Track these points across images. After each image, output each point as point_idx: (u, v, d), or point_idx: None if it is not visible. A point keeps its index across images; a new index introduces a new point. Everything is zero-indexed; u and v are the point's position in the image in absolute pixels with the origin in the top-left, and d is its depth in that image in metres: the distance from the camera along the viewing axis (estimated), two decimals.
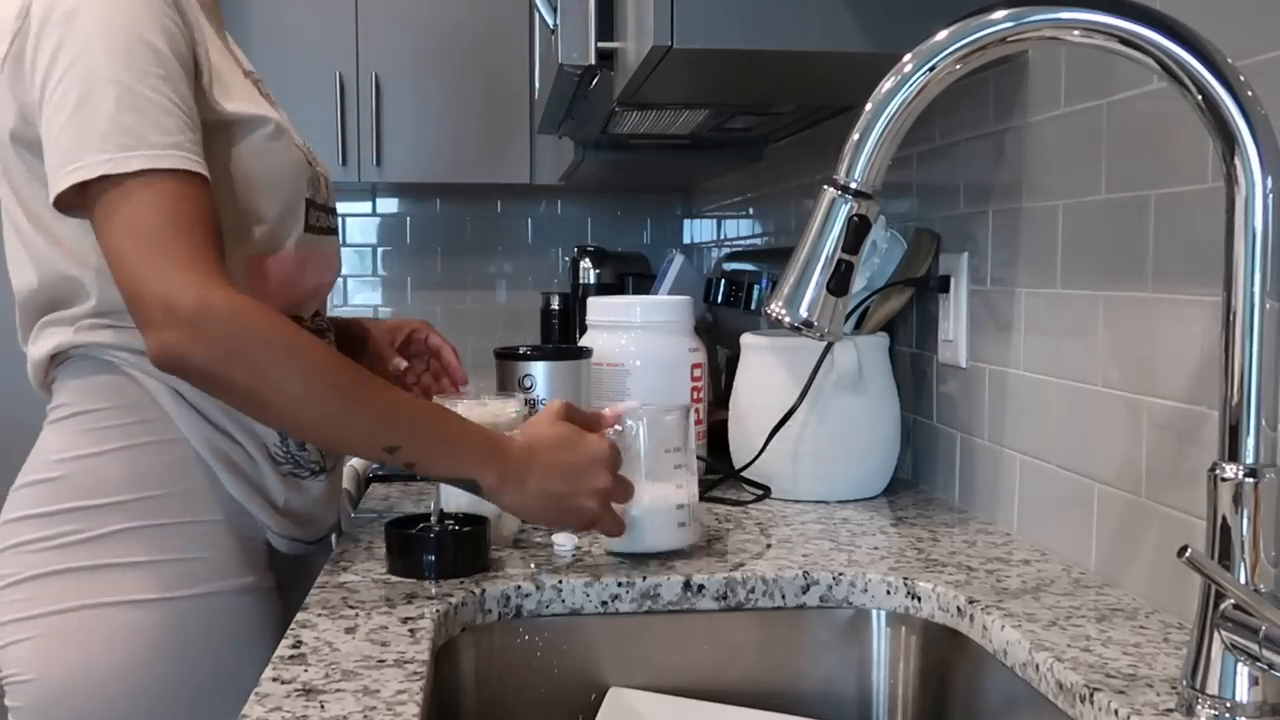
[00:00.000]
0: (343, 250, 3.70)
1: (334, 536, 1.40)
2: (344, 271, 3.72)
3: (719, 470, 1.44)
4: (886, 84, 0.77)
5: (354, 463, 1.95)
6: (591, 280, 3.26)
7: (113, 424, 1.08)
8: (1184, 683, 0.74)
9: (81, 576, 1.05)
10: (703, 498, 1.30)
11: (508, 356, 1.30)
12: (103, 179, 0.96)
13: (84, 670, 1.04)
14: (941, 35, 0.75)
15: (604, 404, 1.26)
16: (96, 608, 1.05)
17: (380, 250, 3.72)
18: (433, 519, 1.09)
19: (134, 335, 1.03)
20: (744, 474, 1.43)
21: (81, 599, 1.05)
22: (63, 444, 1.09)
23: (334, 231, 1.24)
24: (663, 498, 1.11)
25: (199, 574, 1.09)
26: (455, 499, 1.11)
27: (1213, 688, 0.72)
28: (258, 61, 1.38)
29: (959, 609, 1.01)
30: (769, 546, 1.17)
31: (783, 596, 1.07)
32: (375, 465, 1.72)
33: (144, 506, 1.07)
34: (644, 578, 1.06)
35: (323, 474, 1.20)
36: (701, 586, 1.06)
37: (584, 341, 1.40)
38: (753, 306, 2.02)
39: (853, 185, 0.79)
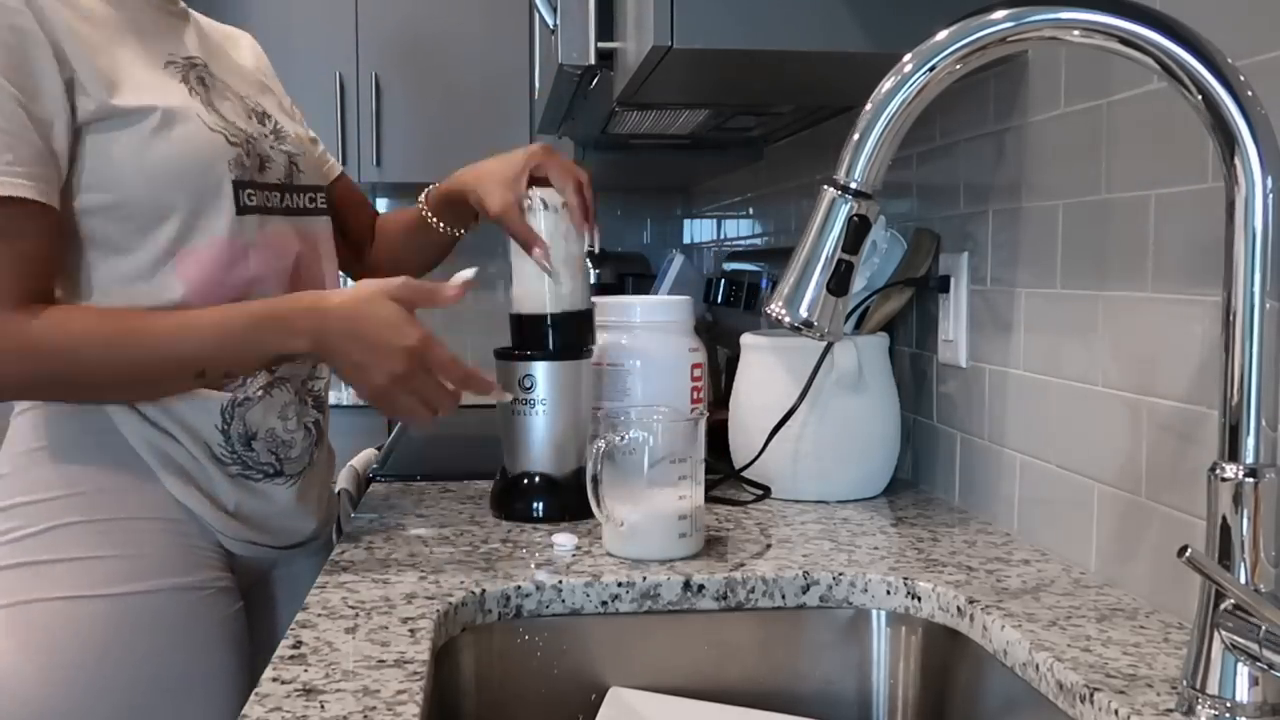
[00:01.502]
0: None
1: (335, 534, 1.40)
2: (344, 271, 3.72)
3: (719, 470, 1.44)
4: (886, 84, 0.77)
5: (354, 462, 1.95)
6: (591, 280, 3.25)
7: (54, 420, 1.10)
8: (1184, 683, 0.74)
9: (22, 572, 1.07)
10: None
11: (508, 356, 1.30)
12: None
13: (23, 664, 1.04)
14: (941, 35, 0.76)
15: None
16: (35, 603, 1.06)
17: None
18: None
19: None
20: (744, 474, 1.43)
21: (22, 595, 1.06)
22: (11, 440, 1.12)
23: (299, 211, 1.22)
24: (664, 507, 1.11)
25: (139, 571, 1.09)
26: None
27: (1213, 688, 0.72)
28: None
29: (959, 609, 1.01)
30: (769, 546, 1.17)
31: (783, 596, 1.07)
32: (375, 465, 1.72)
33: (82, 503, 1.08)
34: (644, 578, 1.06)
35: (281, 478, 1.19)
36: (701, 586, 1.06)
37: None
38: (753, 306, 2.02)
39: (853, 185, 0.79)
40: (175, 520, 1.12)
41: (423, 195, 1.43)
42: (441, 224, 1.42)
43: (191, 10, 1.24)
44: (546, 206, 1.29)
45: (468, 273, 1.13)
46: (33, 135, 1.02)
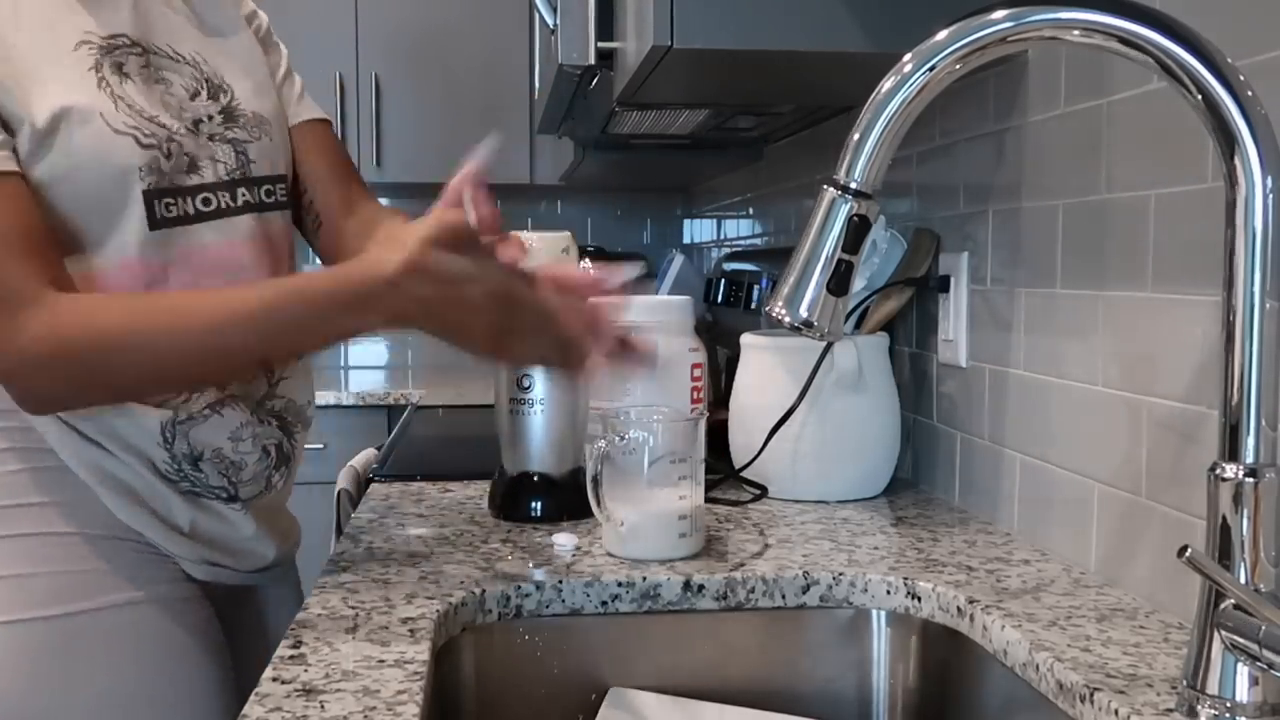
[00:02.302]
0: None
1: (332, 540, 1.39)
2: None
3: (719, 470, 1.44)
4: (886, 84, 0.77)
5: (354, 462, 1.95)
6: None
7: None
8: (1184, 683, 0.74)
9: None
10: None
11: None
12: None
13: None
14: (941, 35, 0.76)
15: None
16: None
17: None
18: None
19: None
20: (744, 474, 1.43)
21: None
22: None
23: (248, 209, 1.08)
24: (664, 507, 1.11)
25: (82, 588, 1.02)
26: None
27: (1213, 688, 0.72)
28: None
29: (959, 609, 1.01)
30: (769, 546, 1.17)
31: (783, 596, 1.07)
32: (375, 465, 1.72)
33: (18, 515, 1.01)
34: (644, 578, 1.06)
35: (237, 503, 1.11)
36: (701, 586, 1.06)
37: None
38: (753, 306, 2.02)
39: (853, 185, 0.79)
40: (126, 538, 1.05)
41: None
42: None
43: None
44: (534, 247, 1.25)
45: (491, 142, 1.01)
46: None
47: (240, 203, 1.08)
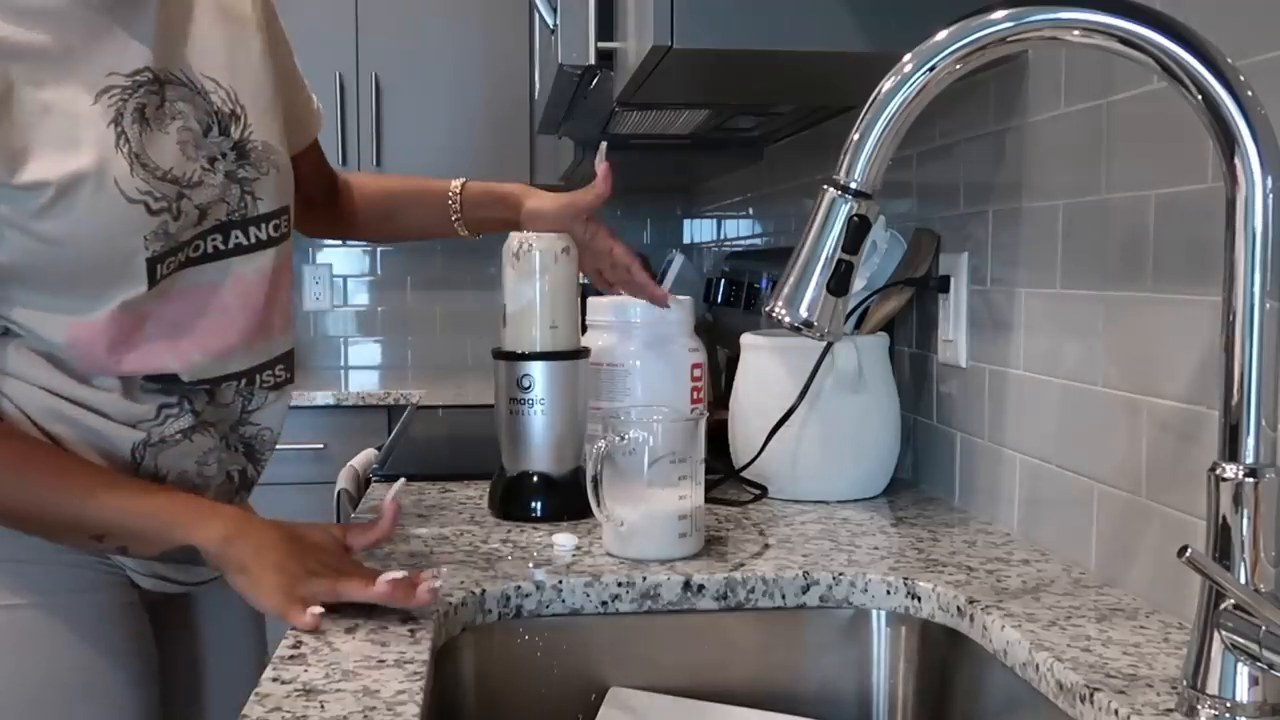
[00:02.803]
0: (341, 250, 3.72)
1: None
2: (344, 272, 3.72)
3: (719, 470, 1.44)
4: (886, 84, 0.77)
5: (354, 462, 1.95)
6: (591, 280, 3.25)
7: None
8: (1184, 683, 0.74)
9: None
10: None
11: (507, 357, 1.30)
12: None
13: None
14: (941, 35, 0.76)
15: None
16: None
17: (380, 250, 3.72)
18: None
19: (19, 353, 1.02)
20: (744, 474, 1.43)
21: None
22: None
23: (248, 249, 1.08)
24: (664, 507, 1.11)
25: (29, 582, 1.03)
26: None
27: (1213, 688, 0.72)
28: None
29: (959, 609, 1.01)
30: (769, 546, 1.17)
31: (783, 596, 1.07)
32: (375, 465, 1.72)
33: None
34: (644, 578, 1.06)
35: None
36: (701, 586, 1.06)
37: (584, 341, 1.40)
38: (753, 306, 2.02)
39: (853, 185, 0.79)
40: (71, 549, 1.06)
41: (458, 182, 1.39)
42: (460, 217, 1.39)
43: None
44: (534, 248, 1.27)
45: (399, 484, 1.11)
46: None
47: (232, 245, 1.08)
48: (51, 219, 0.95)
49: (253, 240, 1.09)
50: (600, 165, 1.33)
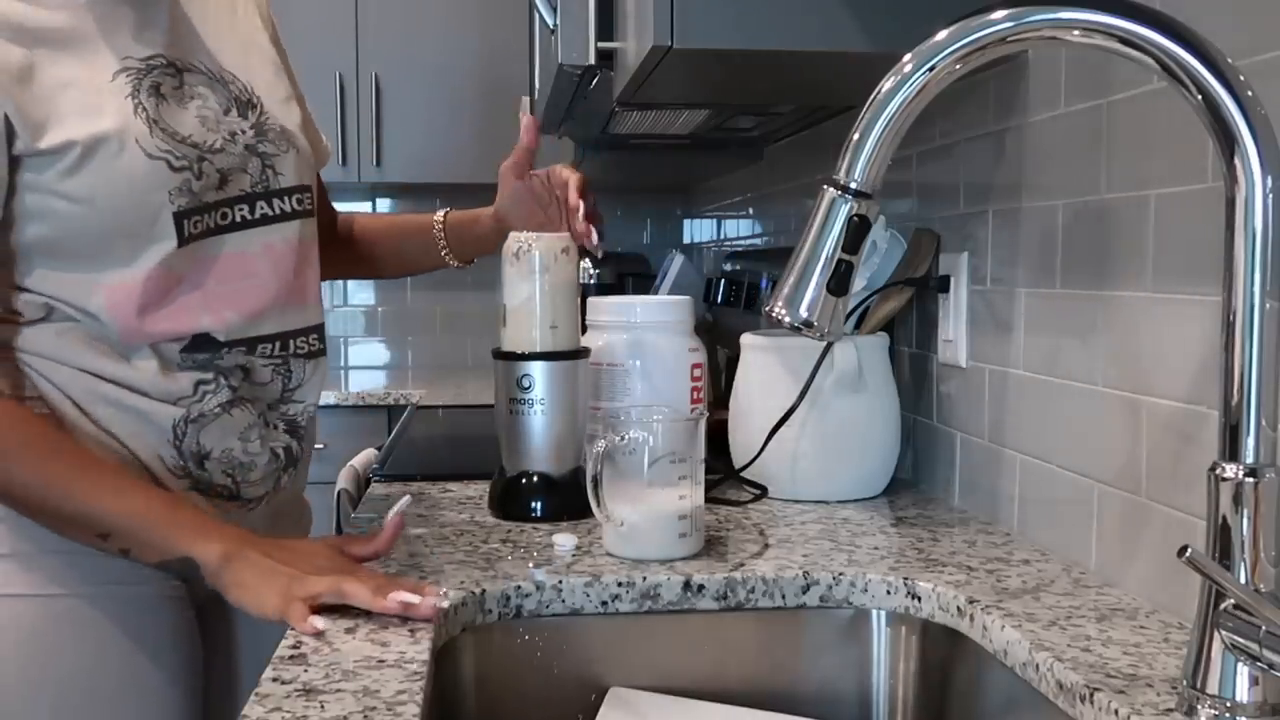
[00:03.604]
0: None
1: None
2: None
3: (718, 470, 1.44)
4: (886, 84, 0.77)
5: (354, 462, 1.95)
6: (591, 280, 3.26)
7: None
8: (1184, 683, 0.74)
9: None
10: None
11: (506, 357, 1.30)
12: None
13: None
14: (941, 35, 0.75)
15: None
16: None
17: None
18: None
19: (33, 333, 1.05)
20: (744, 474, 1.43)
21: None
22: None
23: (273, 219, 1.13)
24: (664, 507, 1.11)
25: (70, 572, 1.06)
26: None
27: (1213, 688, 0.72)
28: None
29: (959, 609, 1.01)
30: (769, 546, 1.17)
31: (783, 596, 1.07)
32: (375, 465, 1.72)
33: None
34: (644, 578, 1.06)
35: (237, 501, 1.14)
36: (701, 586, 1.06)
37: (584, 341, 1.40)
38: (753, 306, 2.02)
39: (853, 185, 0.79)
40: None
41: (440, 213, 1.43)
42: (446, 247, 1.42)
43: None
44: (534, 248, 1.27)
45: (404, 501, 1.14)
46: None
47: (258, 215, 1.12)
48: (79, 178, 1.00)
49: (277, 212, 1.14)
50: (524, 117, 1.33)
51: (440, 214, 1.43)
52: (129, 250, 1.04)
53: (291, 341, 1.16)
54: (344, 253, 1.45)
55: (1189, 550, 0.68)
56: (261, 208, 1.12)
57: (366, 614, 0.95)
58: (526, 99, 1.35)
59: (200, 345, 1.10)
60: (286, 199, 1.15)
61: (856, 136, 0.78)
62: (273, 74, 1.20)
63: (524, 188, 1.35)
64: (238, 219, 1.11)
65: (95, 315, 1.05)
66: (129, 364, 1.07)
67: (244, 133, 1.12)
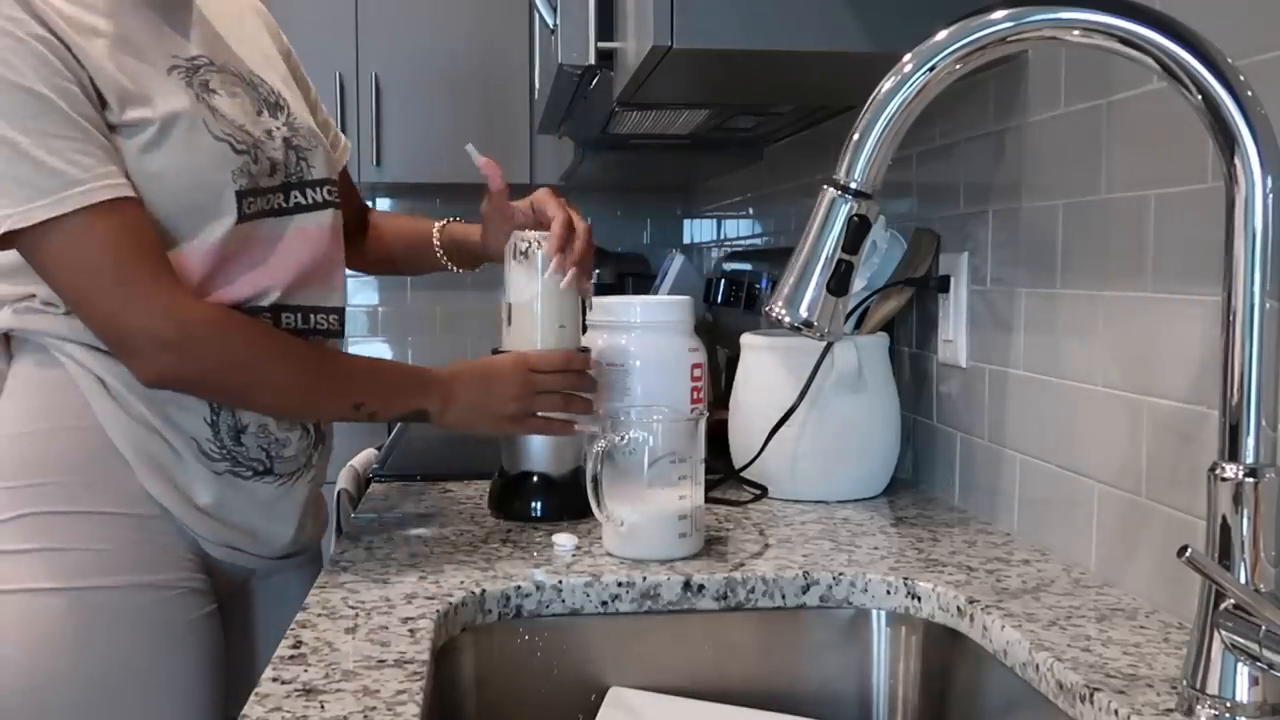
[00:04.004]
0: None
1: (332, 540, 1.39)
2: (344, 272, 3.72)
3: (718, 470, 1.44)
4: (886, 84, 0.77)
5: (354, 462, 1.95)
6: (592, 281, 3.25)
7: (27, 408, 1.09)
8: (1184, 683, 0.74)
9: None
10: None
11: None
12: (40, 224, 1.00)
13: None
14: (941, 35, 0.75)
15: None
16: None
17: None
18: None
19: (69, 321, 1.07)
20: (744, 474, 1.43)
21: None
22: None
23: (308, 208, 1.19)
24: (665, 507, 1.11)
25: (105, 565, 1.07)
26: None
27: (1213, 688, 0.72)
28: None
29: (959, 609, 1.01)
30: (769, 546, 1.17)
31: (783, 596, 1.07)
32: (375, 465, 1.72)
33: (53, 492, 1.07)
34: (644, 578, 1.06)
35: (270, 476, 1.17)
36: (701, 586, 1.06)
37: (584, 341, 1.40)
38: (753, 306, 2.02)
39: (853, 185, 0.78)
40: (148, 516, 1.10)
41: (441, 223, 1.45)
42: (444, 255, 1.45)
43: None
44: (541, 247, 1.27)
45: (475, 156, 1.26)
46: (99, 137, 1.02)
47: (293, 204, 1.19)
48: (154, 154, 1.06)
49: (310, 201, 1.20)
50: (479, 161, 1.34)
51: (437, 229, 1.45)
52: (194, 227, 1.09)
53: (313, 316, 1.21)
54: (380, 256, 1.51)
55: (1189, 550, 0.68)
56: (296, 196, 1.19)
57: (367, 614, 0.96)
58: (470, 145, 1.34)
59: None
60: (318, 190, 1.22)
61: (856, 136, 0.78)
62: (282, 82, 1.25)
63: (509, 223, 1.34)
64: (280, 205, 1.17)
65: None
66: None
67: (279, 129, 1.18)
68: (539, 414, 1.21)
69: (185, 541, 1.13)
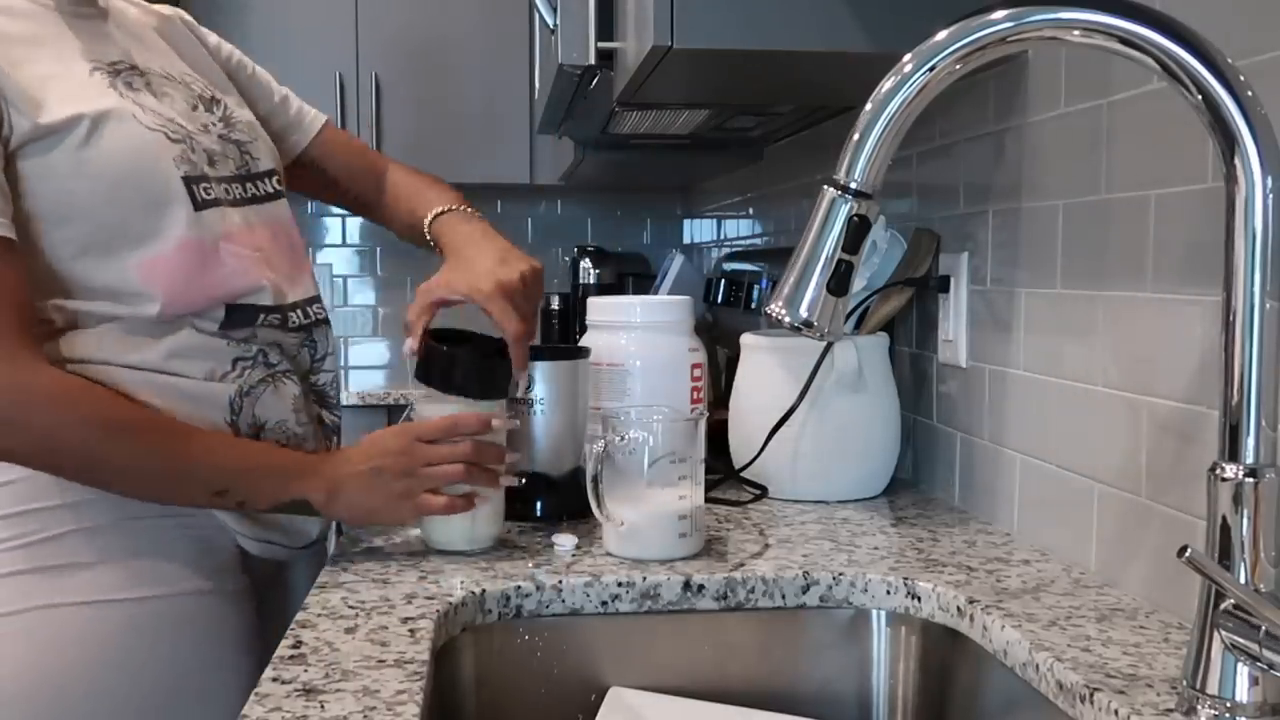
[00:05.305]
0: (342, 250, 3.72)
1: (332, 540, 1.39)
2: (344, 272, 3.72)
3: (718, 470, 1.44)
4: (886, 84, 0.77)
5: None
6: (591, 280, 3.26)
7: None
8: (1184, 683, 0.74)
9: (38, 578, 1.04)
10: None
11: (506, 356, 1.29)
12: None
13: (41, 672, 1.02)
14: (941, 35, 0.75)
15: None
16: (52, 608, 1.04)
17: (379, 250, 3.72)
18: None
19: (97, 340, 1.06)
20: (744, 474, 1.43)
21: (38, 600, 1.03)
22: None
23: (263, 198, 1.19)
24: (664, 507, 1.11)
25: (156, 575, 1.07)
26: None
27: (1213, 688, 0.72)
28: (259, 61, 1.38)
29: (959, 609, 1.01)
30: (769, 546, 1.17)
31: (783, 596, 1.07)
32: None
33: (99, 507, 1.06)
34: (644, 578, 1.06)
35: None
36: (701, 586, 1.06)
37: (584, 341, 1.40)
38: (753, 306, 2.02)
39: (853, 185, 0.78)
40: (189, 516, 1.10)
41: (434, 212, 1.35)
42: (437, 247, 1.40)
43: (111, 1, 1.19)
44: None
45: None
46: None
47: (249, 194, 1.18)
48: (90, 150, 1.04)
49: (264, 192, 1.20)
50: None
51: (427, 223, 1.34)
52: (151, 222, 1.07)
53: (309, 309, 1.21)
54: (393, 214, 1.44)
55: (1189, 550, 0.68)
56: (249, 188, 1.19)
57: (367, 614, 0.96)
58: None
59: (236, 321, 1.13)
60: (266, 181, 1.21)
61: (856, 136, 0.78)
62: (215, 81, 1.25)
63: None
64: (235, 196, 1.16)
65: (139, 294, 1.07)
66: (169, 352, 1.09)
67: (215, 125, 1.18)
68: (438, 489, 1.11)
69: (227, 541, 1.13)
